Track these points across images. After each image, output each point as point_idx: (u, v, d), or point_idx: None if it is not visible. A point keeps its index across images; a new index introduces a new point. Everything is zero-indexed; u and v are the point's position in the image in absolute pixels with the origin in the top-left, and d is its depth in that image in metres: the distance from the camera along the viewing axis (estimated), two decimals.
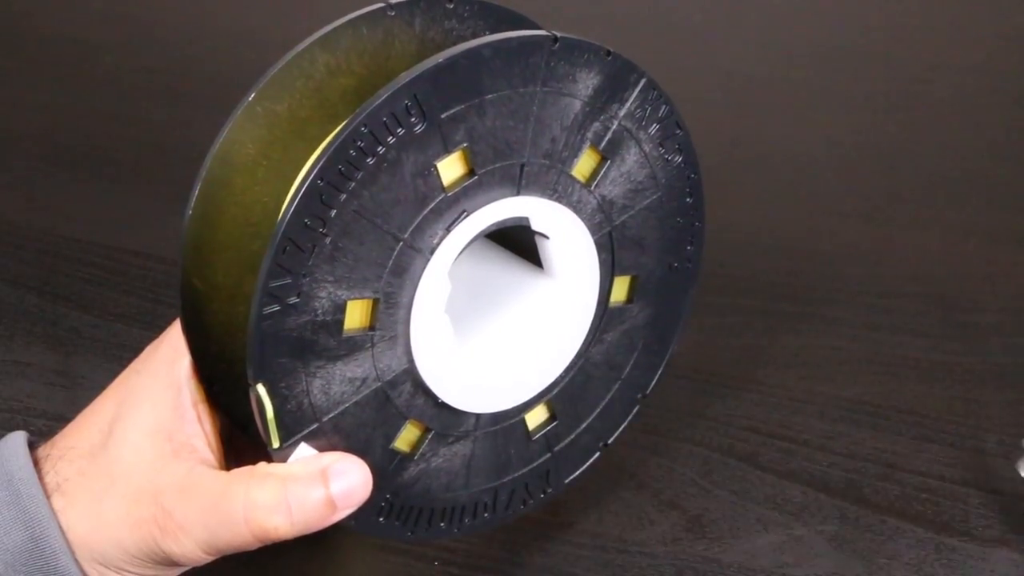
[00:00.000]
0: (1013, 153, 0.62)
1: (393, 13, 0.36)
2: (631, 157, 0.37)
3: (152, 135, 0.63)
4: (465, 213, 0.34)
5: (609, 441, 0.43)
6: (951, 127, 0.63)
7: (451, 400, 0.36)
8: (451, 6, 0.37)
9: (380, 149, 0.31)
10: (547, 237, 0.37)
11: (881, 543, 0.45)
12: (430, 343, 0.35)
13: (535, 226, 0.36)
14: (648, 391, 0.43)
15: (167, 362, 0.36)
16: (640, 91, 0.36)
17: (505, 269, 0.40)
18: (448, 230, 0.34)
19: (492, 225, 0.35)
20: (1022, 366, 0.51)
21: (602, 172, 0.37)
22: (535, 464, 0.41)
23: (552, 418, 0.40)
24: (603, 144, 0.36)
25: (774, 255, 0.56)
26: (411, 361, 0.35)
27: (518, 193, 0.35)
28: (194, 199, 0.36)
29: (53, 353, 0.52)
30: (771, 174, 0.60)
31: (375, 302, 0.33)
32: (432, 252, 0.34)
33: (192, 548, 0.33)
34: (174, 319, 0.37)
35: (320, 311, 0.32)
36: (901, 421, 0.49)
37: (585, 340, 0.40)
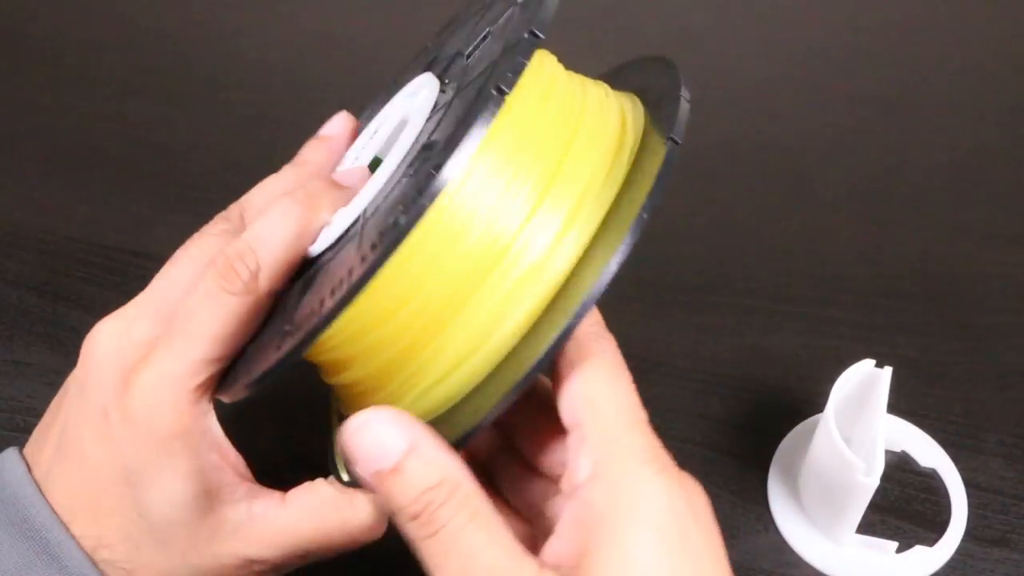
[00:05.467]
0: (1013, 153, 0.62)
1: None
2: None
3: (152, 135, 0.63)
4: None
5: None
6: (951, 127, 0.63)
7: None
8: None
9: None
10: None
11: None
12: None
13: None
14: None
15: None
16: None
17: None
18: None
19: None
20: (1022, 366, 0.51)
21: None
22: None
23: None
24: None
25: (773, 255, 0.56)
26: None
27: None
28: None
29: (53, 353, 0.52)
30: (771, 174, 0.60)
31: None
32: None
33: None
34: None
35: None
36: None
37: None
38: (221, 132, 0.63)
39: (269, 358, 0.31)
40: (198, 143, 0.63)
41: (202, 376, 0.33)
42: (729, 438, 0.48)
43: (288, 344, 0.30)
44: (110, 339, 0.35)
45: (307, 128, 0.63)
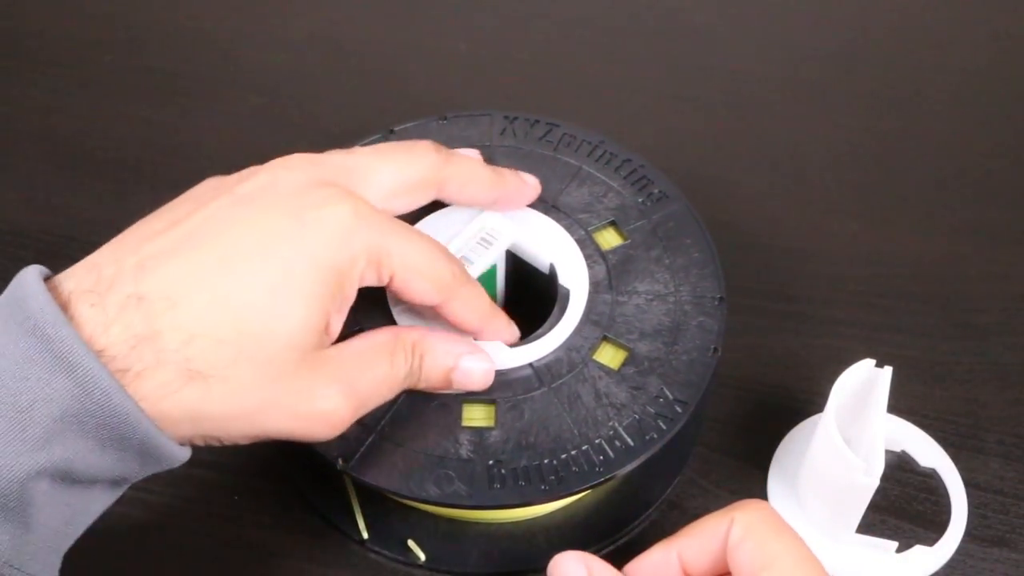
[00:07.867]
0: (1013, 153, 0.62)
1: None
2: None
3: (152, 135, 0.63)
4: None
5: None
6: (951, 127, 0.63)
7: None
8: None
9: None
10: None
11: None
12: None
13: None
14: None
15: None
16: None
17: None
18: None
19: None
20: (1022, 366, 0.51)
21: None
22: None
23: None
24: None
25: (774, 255, 0.56)
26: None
27: None
28: None
29: None
30: (771, 174, 0.60)
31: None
32: None
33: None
34: None
35: None
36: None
37: None
38: (221, 132, 0.64)
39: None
40: (198, 143, 0.63)
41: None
42: (729, 438, 0.48)
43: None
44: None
45: (307, 129, 0.63)
